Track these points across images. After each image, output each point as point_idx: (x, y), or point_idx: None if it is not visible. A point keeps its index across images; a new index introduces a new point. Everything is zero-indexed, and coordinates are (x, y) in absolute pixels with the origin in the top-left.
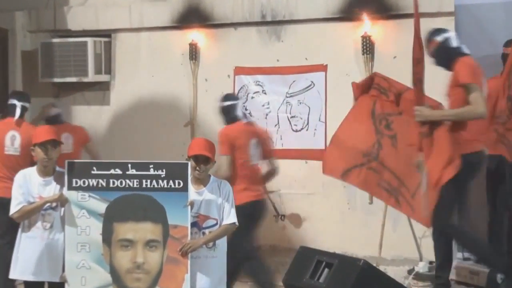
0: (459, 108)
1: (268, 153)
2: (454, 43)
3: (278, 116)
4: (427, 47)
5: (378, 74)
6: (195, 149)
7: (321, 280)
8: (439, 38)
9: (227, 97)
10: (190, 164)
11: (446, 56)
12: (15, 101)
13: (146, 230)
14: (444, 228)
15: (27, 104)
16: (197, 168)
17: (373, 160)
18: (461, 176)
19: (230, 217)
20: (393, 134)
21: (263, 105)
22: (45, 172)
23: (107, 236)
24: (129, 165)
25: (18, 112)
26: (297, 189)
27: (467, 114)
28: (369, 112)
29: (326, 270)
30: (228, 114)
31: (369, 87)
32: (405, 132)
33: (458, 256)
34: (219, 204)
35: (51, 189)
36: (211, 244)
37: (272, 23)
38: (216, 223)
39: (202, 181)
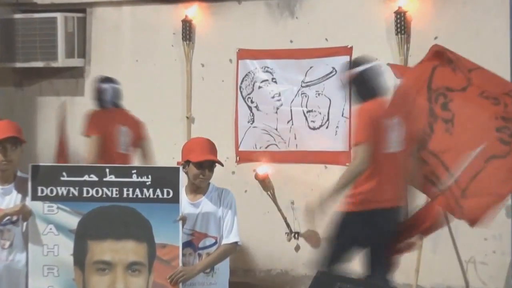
0: None
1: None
2: None
3: (291, 110)
4: None
5: (441, 46)
6: (200, 153)
7: None
8: None
9: None
10: (190, 170)
11: None
12: None
13: (128, 250)
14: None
15: None
16: (202, 175)
17: (422, 148)
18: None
19: (232, 235)
20: (449, 117)
21: (273, 97)
22: (3, 178)
23: (80, 257)
24: (107, 170)
25: None
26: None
27: None
28: (425, 80)
29: None
30: None
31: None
32: (465, 114)
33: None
34: (219, 217)
35: (11, 199)
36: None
37: None
38: (216, 242)
39: (199, 189)
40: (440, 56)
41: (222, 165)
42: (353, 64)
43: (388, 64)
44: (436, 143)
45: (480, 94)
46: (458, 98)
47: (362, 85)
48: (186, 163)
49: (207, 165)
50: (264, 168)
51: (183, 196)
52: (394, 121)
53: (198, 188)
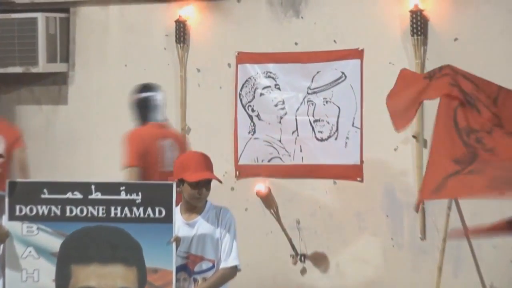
0: None
1: None
2: None
3: (296, 119)
4: None
5: (455, 69)
6: (195, 171)
7: None
8: None
9: None
10: (185, 190)
11: None
12: None
13: (116, 275)
14: None
15: None
16: (198, 194)
17: (469, 164)
18: None
19: (231, 259)
20: (489, 147)
21: (276, 105)
22: None
23: (63, 283)
24: (93, 187)
25: None
26: (322, 219)
27: None
28: (450, 119)
29: None
30: None
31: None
32: (505, 146)
33: None
34: (216, 239)
35: None
36: None
37: None
38: (213, 266)
39: (195, 208)
40: (455, 96)
41: (220, 182)
42: (139, 89)
43: (402, 70)
44: (487, 160)
45: (508, 133)
46: (487, 138)
47: (140, 110)
48: (180, 182)
49: (204, 184)
50: (266, 184)
51: (177, 215)
52: (166, 142)
53: (194, 207)
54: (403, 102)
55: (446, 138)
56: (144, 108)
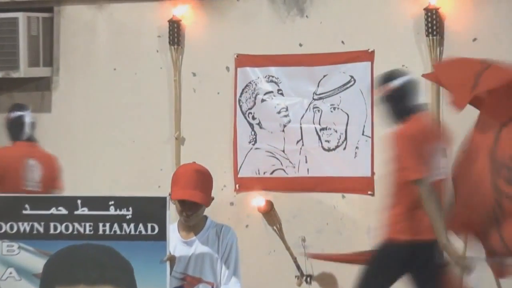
0: None
1: None
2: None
3: (301, 127)
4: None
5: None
6: (182, 188)
7: None
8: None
9: None
10: (175, 205)
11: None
12: None
13: None
14: None
15: None
16: (184, 213)
17: (493, 225)
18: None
19: (232, 282)
20: None
21: (279, 112)
22: None
23: None
24: (79, 202)
25: None
26: (330, 236)
27: None
28: (488, 147)
29: None
30: None
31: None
32: None
33: None
34: (216, 260)
35: None
36: None
37: None
38: None
39: (193, 226)
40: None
41: (207, 205)
42: (10, 108)
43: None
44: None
45: None
46: None
47: (10, 129)
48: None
49: (190, 205)
50: (268, 198)
51: (174, 233)
52: (31, 162)
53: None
54: (459, 79)
55: (473, 162)
56: (13, 127)
